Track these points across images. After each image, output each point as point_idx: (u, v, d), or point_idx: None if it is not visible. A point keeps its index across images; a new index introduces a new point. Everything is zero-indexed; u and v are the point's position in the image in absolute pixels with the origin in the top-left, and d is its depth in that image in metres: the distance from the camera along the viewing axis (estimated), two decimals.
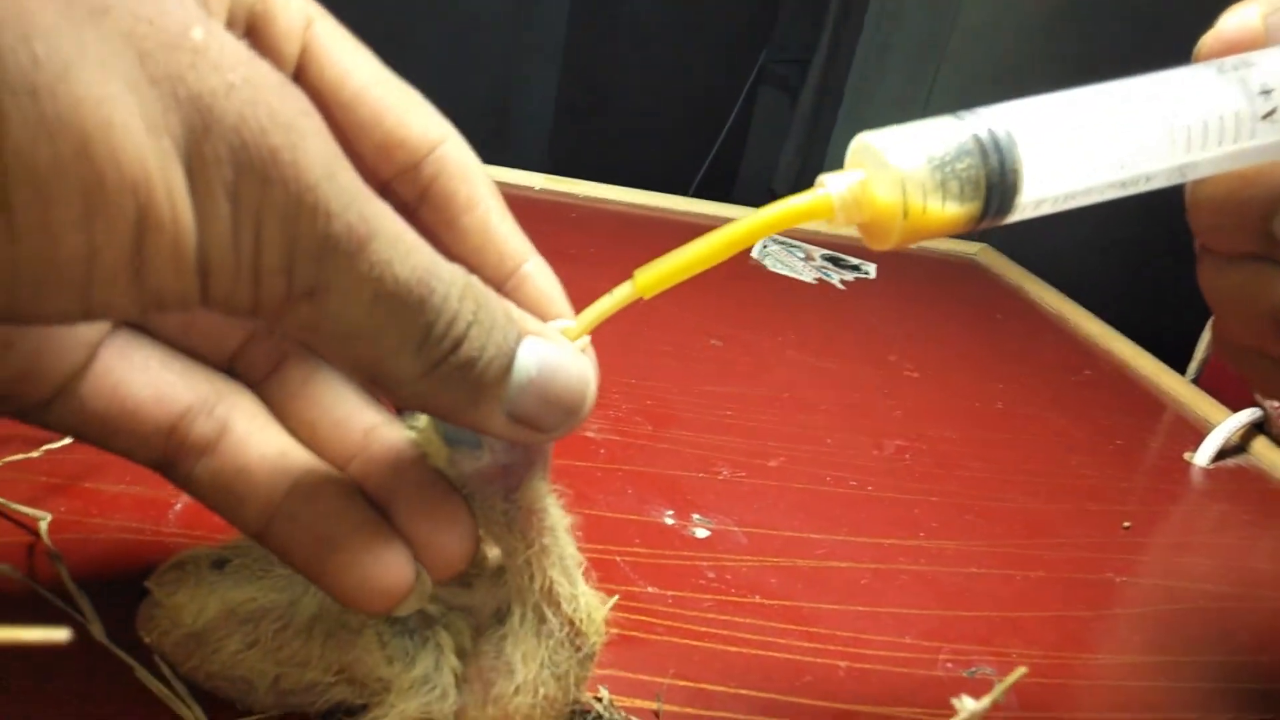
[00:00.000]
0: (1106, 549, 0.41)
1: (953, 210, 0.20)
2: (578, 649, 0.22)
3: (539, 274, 0.23)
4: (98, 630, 0.24)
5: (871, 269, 0.72)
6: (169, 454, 0.21)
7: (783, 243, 0.72)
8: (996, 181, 0.20)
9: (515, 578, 0.22)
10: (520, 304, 0.22)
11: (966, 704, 0.19)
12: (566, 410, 0.20)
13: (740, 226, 0.20)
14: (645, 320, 0.53)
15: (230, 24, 0.20)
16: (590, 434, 0.40)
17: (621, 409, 0.43)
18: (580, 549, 0.23)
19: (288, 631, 0.21)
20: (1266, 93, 0.22)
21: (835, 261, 0.71)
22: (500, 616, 0.22)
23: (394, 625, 0.22)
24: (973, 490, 0.43)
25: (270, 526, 0.21)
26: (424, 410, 0.20)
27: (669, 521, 0.36)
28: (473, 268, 0.21)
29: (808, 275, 0.67)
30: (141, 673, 0.23)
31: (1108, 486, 0.47)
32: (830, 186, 0.21)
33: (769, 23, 1.95)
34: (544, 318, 0.22)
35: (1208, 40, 0.24)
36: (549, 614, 0.22)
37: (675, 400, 0.45)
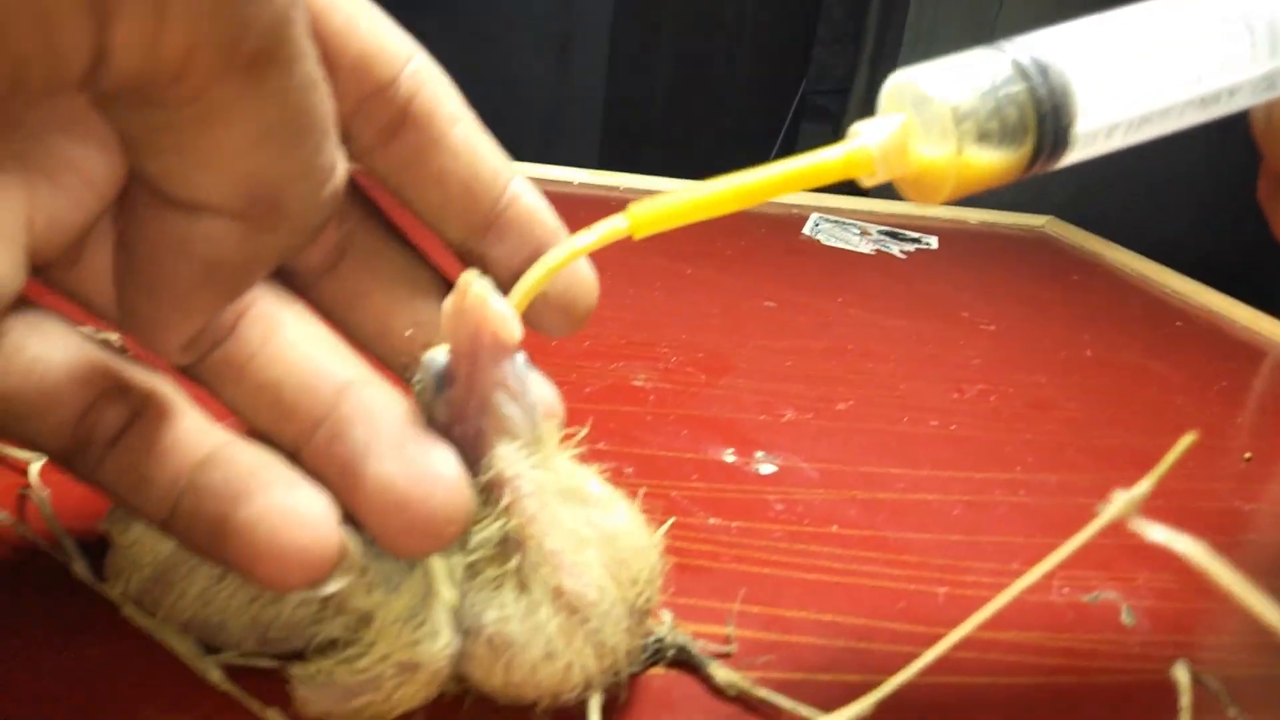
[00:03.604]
0: (1229, 479, 0.36)
1: (1007, 149, 0.17)
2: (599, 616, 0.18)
3: (527, 191, 0.21)
4: (80, 569, 0.22)
5: (933, 240, 0.67)
6: (78, 441, 0.18)
7: (835, 220, 0.69)
8: (1048, 110, 0.17)
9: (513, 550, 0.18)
10: (513, 221, 0.21)
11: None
12: None
13: (758, 176, 0.17)
14: (685, 286, 0.49)
15: None
16: (637, 383, 0.37)
17: (671, 361, 0.40)
18: (628, 486, 0.19)
19: None
20: None
21: (893, 235, 0.67)
22: (507, 550, 0.19)
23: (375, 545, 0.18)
24: (1071, 429, 0.39)
25: (177, 506, 0.17)
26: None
27: (729, 459, 0.32)
28: (467, 183, 0.20)
29: (865, 247, 0.64)
30: (130, 609, 0.20)
31: (1219, 424, 0.42)
32: (866, 136, 0.17)
33: (804, 53, 1.94)
34: (536, 233, 0.21)
35: None
36: (561, 584, 0.18)
37: (730, 353, 0.41)
